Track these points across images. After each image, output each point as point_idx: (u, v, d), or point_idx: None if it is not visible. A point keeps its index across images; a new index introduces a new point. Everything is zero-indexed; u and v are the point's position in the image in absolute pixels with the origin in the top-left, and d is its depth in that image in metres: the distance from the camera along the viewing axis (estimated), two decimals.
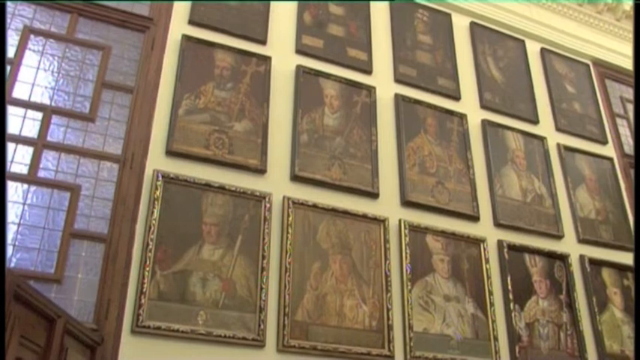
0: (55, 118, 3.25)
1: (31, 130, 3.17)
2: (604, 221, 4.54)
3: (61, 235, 3.00)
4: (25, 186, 3.03)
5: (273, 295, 3.15)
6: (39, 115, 3.21)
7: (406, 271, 3.53)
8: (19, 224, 2.94)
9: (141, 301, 2.87)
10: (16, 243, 2.90)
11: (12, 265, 2.82)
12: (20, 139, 3.11)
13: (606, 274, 4.30)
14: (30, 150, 3.12)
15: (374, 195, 3.68)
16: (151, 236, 3.01)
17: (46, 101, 3.27)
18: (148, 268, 2.95)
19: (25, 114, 3.20)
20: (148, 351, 2.82)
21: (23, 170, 3.05)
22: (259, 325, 3.03)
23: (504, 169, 4.31)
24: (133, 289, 2.91)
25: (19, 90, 3.23)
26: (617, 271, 4.34)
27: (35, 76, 3.31)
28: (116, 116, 3.39)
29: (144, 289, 2.89)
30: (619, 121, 5.27)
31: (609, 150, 4.97)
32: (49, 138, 3.18)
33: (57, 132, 3.23)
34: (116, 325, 2.82)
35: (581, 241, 4.32)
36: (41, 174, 3.09)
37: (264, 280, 3.14)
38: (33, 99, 3.24)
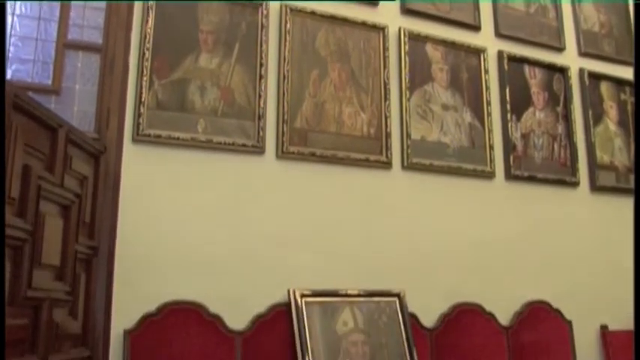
0: None
1: None
2: (607, 35, 4.45)
3: (55, 46, 2.95)
4: None
5: (271, 102, 3.16)
6: None
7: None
8: (10, 35, 2.88)
9: (140, 110, 2.87)
10: (10, 55, 2.86)
11: (8, 76, 2.80)
12: None
13: (604, 87, 4.29)
14: None
15: (373, 2, 3.56)
16: (146, 45, 2.95)
17: None
18: (145, 78, 2.91)
19: None
20: (150, 158, 2.87)
21: None
22: (258, 132, 3.07)
23: None
24: (131, 99, 2.90)
25: None
26: (615, 85, 4.34)
27: None
28: None
29: (142, 99, 2.89)
30: None
31: None
32: None
33: None
34: (117, 134, 2.84)
35: (582, 54, 4.27)
36: None
37: (263, 88, 3.12)
38: None
